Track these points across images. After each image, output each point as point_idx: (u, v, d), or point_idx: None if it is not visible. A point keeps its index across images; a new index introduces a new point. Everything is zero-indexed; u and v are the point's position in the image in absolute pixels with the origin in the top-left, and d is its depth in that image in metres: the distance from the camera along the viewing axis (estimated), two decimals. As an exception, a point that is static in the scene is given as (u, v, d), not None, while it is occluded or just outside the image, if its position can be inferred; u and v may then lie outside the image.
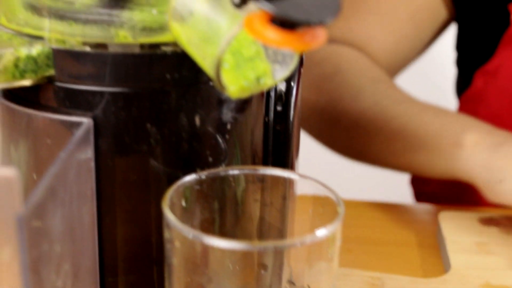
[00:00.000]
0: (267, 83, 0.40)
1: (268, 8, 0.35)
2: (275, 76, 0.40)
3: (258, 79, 0.39)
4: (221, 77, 0.39)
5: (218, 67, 0.39)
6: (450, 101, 1.08)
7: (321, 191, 0.45)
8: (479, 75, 0.87)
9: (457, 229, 0.70)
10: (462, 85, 0.94)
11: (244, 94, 0.40)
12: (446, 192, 0.90)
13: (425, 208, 0.80)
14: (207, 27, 0.40)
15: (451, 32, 0.95)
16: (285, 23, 0.36)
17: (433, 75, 1.51)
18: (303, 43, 0.36)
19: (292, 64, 0.41)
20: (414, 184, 0.97)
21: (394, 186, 1.23)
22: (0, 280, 0.36)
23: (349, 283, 0.63)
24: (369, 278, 0.63)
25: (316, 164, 1.16)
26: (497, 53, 0.85)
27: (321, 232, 0.41)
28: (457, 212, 0.73)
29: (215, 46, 0.39)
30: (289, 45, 0.36)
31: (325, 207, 0.45)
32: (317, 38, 0.36)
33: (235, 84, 0.39)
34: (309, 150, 0.98)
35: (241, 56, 0.39)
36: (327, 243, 0.42)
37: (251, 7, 0.38)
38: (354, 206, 0.78)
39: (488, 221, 0.72)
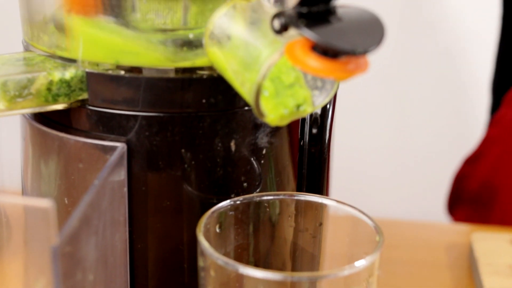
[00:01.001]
0: (306, 110, 0.39)
1: (311, 36, 0.34)
2: (314, 103, 0.39)
3: (298, 106, 0.39)
4: (260, 104, 0.38)
5: (257, 94, 0.38)
6: (482, 96, 1.06)
7: (358, 217, 0.44)
8: None
9: (490, 251, 0.69)
10: (502, 83, 0.92)
11: (283, 122, 0.39)
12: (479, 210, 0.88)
13: (456, 227, 0.78)
14: (246, 53, 0.39)
15: (485, 30, 0.94)
16: (327, 51, 0.35)
17: (463, 71, 1.49)
18: (346, 72, 0.35)
19: (333, 91, 0.40)
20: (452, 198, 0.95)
21: (425, 204, 1.22)
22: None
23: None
24: (400, 301, 0.62)
25: (344, 182, 1.15)
26: None
27: (360, 263, 0.40)
28: (489, 233, 0.72)
29: (255, 72, 0.38)
30: (331, 75, 0.35)
31: (361, 234, 0.44)
32: (360, 66, 0.35)
33: (274, 112, 0.38)
34: (338, 169, 0.97)
35: (280, 83, 0.38)
36: (365, 273, 0.41)
37: (292, 33, 0.37)
38: (382, 225, 0.77)
39: (521, 243, 0.70)
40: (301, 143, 0.49)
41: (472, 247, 0.70)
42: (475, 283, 0.67)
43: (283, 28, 0.37)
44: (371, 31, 0.36)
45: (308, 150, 0.49)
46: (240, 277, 0.40)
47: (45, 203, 0.32)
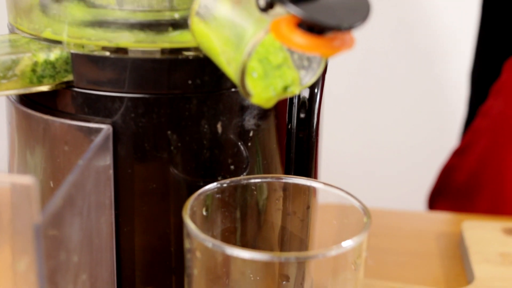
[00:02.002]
0: (294, 91, 0.39)
1: (296, 12, 0.34)
2: (301, 82, 0.39)
3: (285, 88, 0.38)
4: (246, 84, 0.38)
5: (243, 73, 0.38)
6: (459, 88, 1.06)
7: (346, 200, 0.44)
8: (508, 67, 0.85)
9: (480, 239, 0.69)
10: (482, 75, 0.92)
11: (270, 103, 0.39)
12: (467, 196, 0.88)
13: (446, 217, 0.78)
14: (231, 32, 0.38)
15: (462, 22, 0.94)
16: (313, 28, 0.35)
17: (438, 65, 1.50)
18: (332, 48, 0.35)
19: (319, 70, 0.39)
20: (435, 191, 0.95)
21: (413, 194, 1.22)
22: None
23: (371, 294, 0.61)
24: (390, 289, 0.62)
25: (335, 171, 1.15)
26: None
27: (347, 243, 0.39)
28: (480, 221, 0.72)
29: (240, 52, 0.38)
30: (317, 51, 0.35)
31: (349, 216, 0.44)
32: (346, 43, 0.35)
33: (262, 93, 0.38)
34: (329, 156, 0.96)
35: (269, 64, 0.37)
36: (353, 255, 0.41)
37: (277, 11, 0.37)
38: (373, 214, 0.76)
39: (512, 231, 0.70)
40: (289, 126, 0.48)
41: (462, 236, 0.70)
42: (466, 271, 0.66)
43: (269, 6, 0.37)
44: (357, 8, 0.35)
45: (296, 134, 0.49)
46: (227, 259, 0.40)
47: (27, 180, 0.32)
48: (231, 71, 0.39)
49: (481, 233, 0.70)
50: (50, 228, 0.35)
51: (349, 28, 0.34)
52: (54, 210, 0.35)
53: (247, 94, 0.38)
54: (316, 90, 0.48)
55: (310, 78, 0.40)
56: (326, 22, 0.34)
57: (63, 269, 0.37)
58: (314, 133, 0.49)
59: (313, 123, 0.49)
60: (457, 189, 0.91)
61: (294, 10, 0.34)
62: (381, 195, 1.38)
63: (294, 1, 0.35)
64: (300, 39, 0.35)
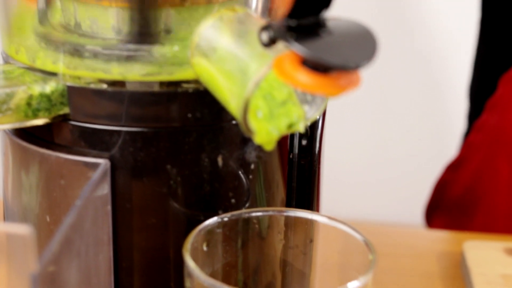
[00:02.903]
0: (298, 128, 0.38)
1: (300, 50, 0.33)
2: (305, 118, 0.38)
3: (290, 126, 0.37)
4: (249, 121, 0.37)
5: (245, 110, 0.36)
6: (459, 102, 1.06)
7: (350, 235, 0.43)
8: (504, 82, 0.85)
9: (482, 260, 0.68)
10: (480, 89, 0.92)
11: (272, 145, 0.38)
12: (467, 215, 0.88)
13: (447, 235, 0.77)
14: (233, 66, 0.37)
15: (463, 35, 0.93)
16: (318, 66, 0.34)
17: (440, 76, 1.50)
18: (337, 88, 0.34)
19: (323, 105, 0.38)
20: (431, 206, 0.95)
21: (414, 211, 1.21)
22: None
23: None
24: (392, 312, 0.61)
25: (333, 179, 1.14)
26: None
27: (353, 285, 0.38)
28: (481, 241, 0.71)
29: (243, 87, 0.36)
30: (323, 90, 0.34)
31: (353, 252, 0.43)
32: (353, 82, 0.34)
33: (266, 135, 0.37)
34: (327, 166, 0.96)
35: (273, 100, 0.36)
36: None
37: (280, 46, 0.36)
38: (371, 232, 0.75)
39: (514, 252, 0.69)
40: (290, 156, 0.47)
41: (464, 256, 0.69)
42: (468, 293, 0.66)
43: (271, 41, 0.36)
44: (363, 45, 0.34)
45: (298, 162, 0.48)
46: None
47: (24, 230, 0.31)
48: (232, 106, 0.38)
49: (483, 254, 0.69)
50: (48, 273, 0.34)
51: (356, 67, 0.33)
52: (51, 256, 0.34)
53: (249, 131, 0.37)
54: (318, 117, 0.47)
55: (313, 113, 0.39)
56: (331, 61, 0.33)
57: (61, 314, 0.36)
58: (316, 160, 0.48)
59: (315, 151, 0.48)
60: (453, 203, 0.91)
61: (298, 48, 0.33)
62: (379, 204, 1.38)
63: (298, 38, 0.34)
64: (305, 78, 0.34)
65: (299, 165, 0.48)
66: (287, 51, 0.35)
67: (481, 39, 0.92)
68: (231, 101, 0.38)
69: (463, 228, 0.85)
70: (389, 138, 1.46)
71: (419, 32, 1.41)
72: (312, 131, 0.48)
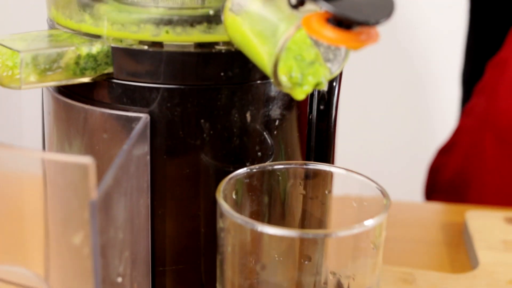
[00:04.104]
0: (323, 86, 0.42)
1: (328, 8, 0.38)
2: (330, 73, 0.43)
3: (317, 84, 0.42)
4: (279, 76, 0.41)
5: (276, 65, 0.41)
6: (453, 88, 1.09)
7: (366, 184, 0.47)
8: (491, 66, 0.88)
9: (483, 227, 0.72)
10: (471, 75, 0.95)
11: (302, 97, 0.42)
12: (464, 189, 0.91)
13: (451, 207, 0.81)
14: (263, 27, 0.42)
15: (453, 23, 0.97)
16: (341, 23, 0.38)
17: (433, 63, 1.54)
18: (359, 41, 0.38)
19: (343, 62, 0.43)
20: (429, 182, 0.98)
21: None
22: (71, 263, 0.38)
23: (382, 278, 0.64)
24: (401, 273, 0.65)
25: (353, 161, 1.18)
26: (505, 44, 0.86)
27: (369, 222, 0.43)
28: (483, 211, 0.75)
29: (273, 46, 0.41)
30: (345, 44, 0.38)
31: (369, 199, 0.47)
32: (372, 37, 0.39)
33: (299, 91, 0.42)
34: (346, 148, 1.00)
35: (303, 61, 0.41)
36: (373, 234, 0.44)
37: (306, 8, 0.40)
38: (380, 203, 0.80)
39: (514, 220, 0.74)
40: (310, 117, 0.52)
41: (466, 224, 0.73)
42: (470, 257, 0.70)
43: (300, 3, 0.40)
44: (382, 5, 0.39)
45: (316, 125, 0.52)
46: (257, 235, 0.43)
47: (86, 160, 0.35)
48: (265, 63, 0.42)
49: (484, 222, 0.73)
50: (103, 204, 0.38)
51: (376, 23, 0.38)
52: (106, 189, 0.38)
53: (279, 85, 0.42)
54: (334, 84, 0.52)
55: (336, 70, 0.43)
56: (355, 17, 0.37)
57: (111, 245, 0.40)
58: (332, 124, 0.53)
59: (331, 115, 0.52)
60: (446, 186, 0.94)
61: (326, 7, 0.38)
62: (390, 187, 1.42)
63: (324, -1, 0.39)
64: (330, 33, 0.38)
65: (317, 128, 0.52)
66: (312, 12, 0.40)
67: (471, 25, 0.95)
68: (263, 59, 0.42)
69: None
70: (387, 124, 1.50)
71: (408, 26, 1.44)
72: (329, 97, 0.52)
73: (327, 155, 0.53)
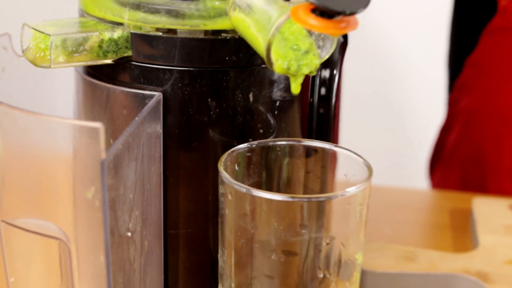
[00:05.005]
0: (314, 73, 0.48)
1: (312, 0, 0.43)
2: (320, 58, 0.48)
3: (311, 72, 0.47)
4: (272, 56, 0.47)
5: (268, 49, 0.47)
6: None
7: (353, 159, 0.52)
8: (466, 66, 0.91)
9: (487, 213, 0.77)
10: (459, 57, 0.98)
11: (298, 87, 0.48)
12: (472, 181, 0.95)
13: (459, 195, 0.86)
14: (261, 17, 0.48)
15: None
16: (324, 13, 0.44)
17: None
18: (339, 29, 0.44)
19: (332, 48, 0.48)
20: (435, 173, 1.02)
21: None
22: (85, 214, 0.44)
23: (385, 255, 0.69)
24: (404, 252, 0.70)
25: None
26: (479, 44, 0.89)
27: (352, 189, 0.48)
28: (489, 198, 0.80)
29: (267, 32, 0.47)
30: (327, 31, 0.44)
31: (356, 173, 0.53)
32: (351, 25, 0.44)
33: (294, 81, 0.47)
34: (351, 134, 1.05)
35: (299, 50, 0.46)
36: (358, 200, 0.49)
37: (296, 1, 0.46)
38: (393, 192, 0.85)
39: (518, 207, 0.78)
40: (311, 100, 0.57)
41: (472, 210, 0.78)
42: (473, 240, 0.74)
43: (290, -5, 0.46)
44: (360, -3, 0.44)
45: (317, 110, 0.58)
46: (253, 199, 0.49)
47: (97, 124, 0.41)
48: (261, 49, 0.48)
49: (489, 208, 0.78)
50: (112, 165, 0.44)
51: (352, 13, 0.43)
52: (116, 151, 0.44)
53: (272, 66, 0.48)
54: (335, 71, 0.57)
55: (324, 55, 0.48)
56: (332, 7, 0.43)
57: (121, 201, 0.46)
58: (333, 108, 0.58)
59: (332, 100, 0.58)
60: (445, 160, 0.99)
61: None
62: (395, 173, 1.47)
63: (310, -9, 0.44)
64: (314, 21, 0.44)
65: (318, 113, 0.58)
66: (301, 3, 0.45)
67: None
68: (260, 45, 0.48)
69: (456, 177, 0.93)
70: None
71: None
72: (330, 84, 0.58)
73: (327, 136, 0.58)
